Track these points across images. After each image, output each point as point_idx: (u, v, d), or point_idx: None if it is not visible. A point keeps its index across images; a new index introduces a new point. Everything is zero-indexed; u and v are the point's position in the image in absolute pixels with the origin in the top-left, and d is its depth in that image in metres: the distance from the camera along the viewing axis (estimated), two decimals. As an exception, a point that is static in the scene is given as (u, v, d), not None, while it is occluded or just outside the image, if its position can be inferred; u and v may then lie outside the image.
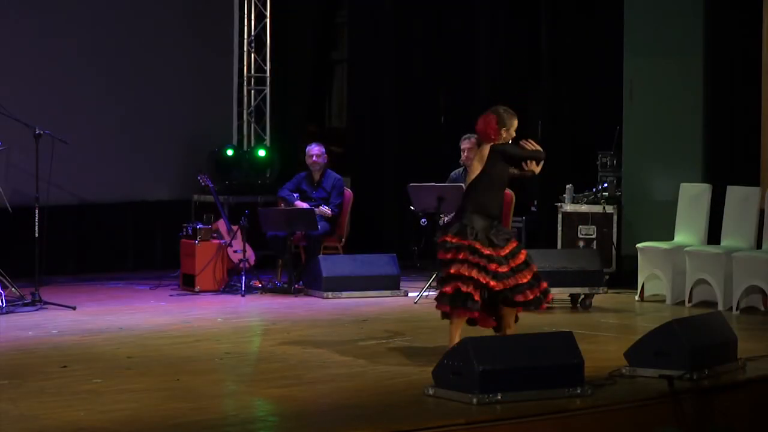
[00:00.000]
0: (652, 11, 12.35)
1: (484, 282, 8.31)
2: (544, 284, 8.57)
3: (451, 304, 8.43)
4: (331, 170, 12.86)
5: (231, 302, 11.67)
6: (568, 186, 12.64)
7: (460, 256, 8.37)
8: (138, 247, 13.97)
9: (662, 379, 7.37)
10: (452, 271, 8.38)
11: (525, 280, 8.44)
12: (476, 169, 8.55)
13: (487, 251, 8.36)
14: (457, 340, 8.34)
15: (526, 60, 14.20)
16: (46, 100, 13.02)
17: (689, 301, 11.22)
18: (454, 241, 8.43)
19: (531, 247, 13.00)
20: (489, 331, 9.93)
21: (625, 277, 12.32)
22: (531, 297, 8.47)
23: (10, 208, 11.46)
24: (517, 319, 8.71)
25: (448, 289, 8.41)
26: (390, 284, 11.98)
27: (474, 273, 8.31)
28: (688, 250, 11.28)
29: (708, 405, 7.59)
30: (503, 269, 8.39)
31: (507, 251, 8.46)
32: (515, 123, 8.62)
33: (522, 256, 8.51)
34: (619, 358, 8.09)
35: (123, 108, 13.77)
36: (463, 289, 8.33)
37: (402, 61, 14.79)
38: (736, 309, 10.84)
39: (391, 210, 14.62)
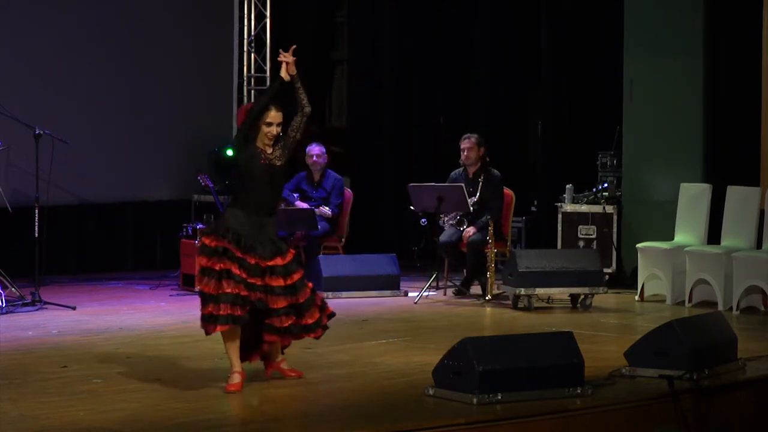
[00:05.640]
0: (652, 11, 12.35)
1: (234, 292, 7.43)
2: (315, 315, 7.80)
3: (207, 322, 7.55)
4: (331, 170, 12.86)
5: (231, 302, 11.65)
6: (568, 186, 12.64)
7: (209, 264, 7.50)
8: (138, 247, 13.96)
9: (662, 379, 7.36)
10: (201, 287, 7.55)
11: (281, 305, 7.59)
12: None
13: (238, 253, 7.50)
14: (236, 363, 7.65)
15: (526, 60, 14.20)
16: (46, 100, 13.01)
17: (689, 301, 11.21)
18: (206, 242, 7.57)
19: (531, 247, 13.07)
20: (489, 332, 9.95)
21: (625, 277, 12.33)
22: (287, 323, 7.67)
23: (10, 208, 11.47)
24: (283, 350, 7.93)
25: (203, 309, 7.57)
26: (390, 284, 11.97)
27: (225, 286, 7.44)
28: (688, 250, 11.27)
29: (708, 405, 7.59)
30: (254, 280, 7.51)
31: (271, 264, 7.58)
32: (270, 114, 8.02)
33: (296, 277, 7.65)
34: (619, 358, 8.08)
35: (123, 108, 13.76)
36: (210, 308, 7.49)
37: (402, 60, 14.79)
38: (736, 309, 10.83)
39: (391, 210, 14.61)
